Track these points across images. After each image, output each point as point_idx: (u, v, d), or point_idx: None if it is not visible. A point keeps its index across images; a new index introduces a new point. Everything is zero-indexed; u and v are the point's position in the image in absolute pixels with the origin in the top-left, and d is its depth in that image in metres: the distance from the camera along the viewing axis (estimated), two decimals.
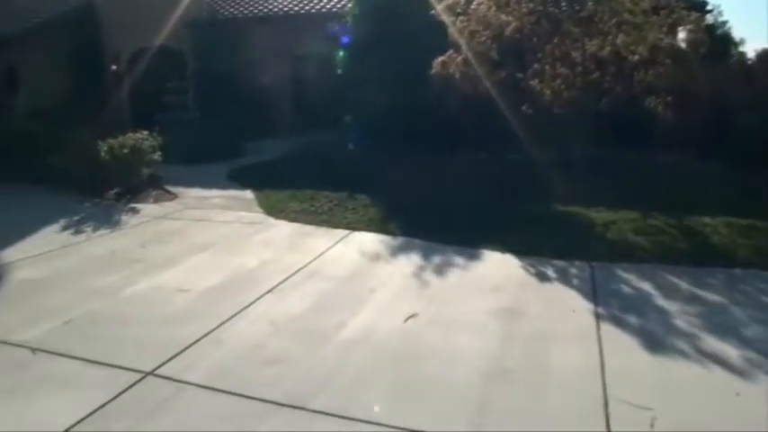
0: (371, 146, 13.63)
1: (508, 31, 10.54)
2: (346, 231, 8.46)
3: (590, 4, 10.38)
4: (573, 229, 8.16)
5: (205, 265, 7.14)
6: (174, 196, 11.03)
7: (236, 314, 5.57)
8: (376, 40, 13.95)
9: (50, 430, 3.80)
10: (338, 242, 8.01)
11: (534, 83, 10.92)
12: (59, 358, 4.72)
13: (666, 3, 10.19)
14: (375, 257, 7.35)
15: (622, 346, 4.90)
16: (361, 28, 14.77)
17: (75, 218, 9.46)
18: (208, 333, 5.15)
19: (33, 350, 4.83)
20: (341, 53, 15.55)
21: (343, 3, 18.13)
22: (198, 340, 5.01)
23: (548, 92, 10.66)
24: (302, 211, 9.50)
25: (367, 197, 9.93)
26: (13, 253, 7.66)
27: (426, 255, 7.36)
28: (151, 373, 4.46)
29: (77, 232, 8.75)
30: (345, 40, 15.23)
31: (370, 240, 8.07)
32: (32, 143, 11.84)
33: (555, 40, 10.66)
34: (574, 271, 6.80)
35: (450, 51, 11.23)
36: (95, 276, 6.74)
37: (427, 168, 11.67)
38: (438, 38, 11.66)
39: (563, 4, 10.73)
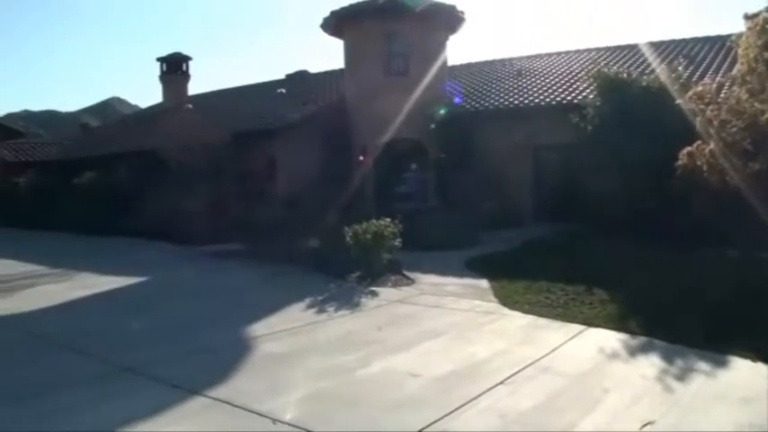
0: (612, 238, 13.15)
1: (763, 119, 9.80)
2: (582, 327, 8.11)
3: None
4: None
5: (437, 352, 7.19)
6: (411, 281, 11.38)
7: (465, 404, 5.49)
8: (618, 132, 13.65)
9: None
10: (573, 337, 7.70)
11: None
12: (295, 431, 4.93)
13: None
14: (612, 356, 6.95)
15: None
16: (604, 119, 14.55)
17: (320, 297, 10.10)
18: (436, 420, 5.12)
19: (274, 421, 5.11)
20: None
21: (584, 94, 18.03)
22: (426, 427, 4.99)
23: None
24: (537, 303, 9.33)
25: (605, 292, 9.51)
26: (263, 327, 8.34)
27: (668, 357, 6.80)
28: None
29: (320, 311, 9.32)
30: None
31: (607, 338, 7.65)
32: (288, 227, 13.02)
33: None
34: None
35: (699, 142, 10.66)
36: (332, 355, 7.06)
37: (671, 264, 10.97)
38: (683, 128, 11.16)
39: None
